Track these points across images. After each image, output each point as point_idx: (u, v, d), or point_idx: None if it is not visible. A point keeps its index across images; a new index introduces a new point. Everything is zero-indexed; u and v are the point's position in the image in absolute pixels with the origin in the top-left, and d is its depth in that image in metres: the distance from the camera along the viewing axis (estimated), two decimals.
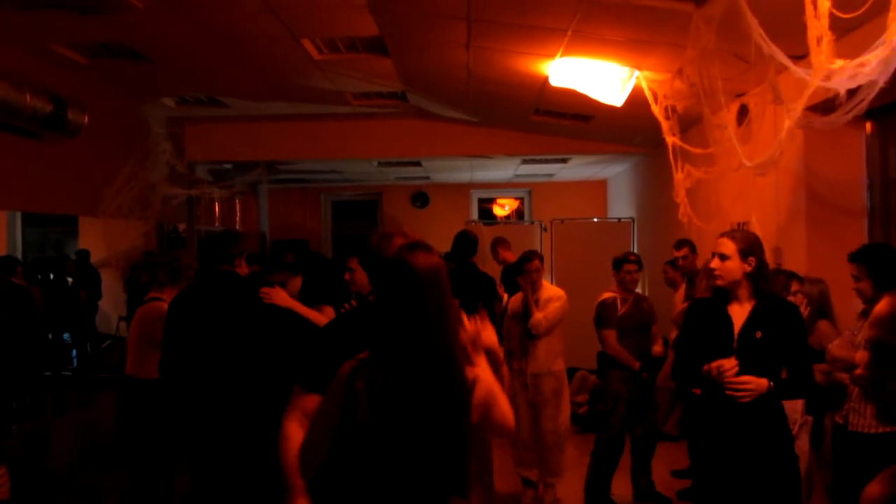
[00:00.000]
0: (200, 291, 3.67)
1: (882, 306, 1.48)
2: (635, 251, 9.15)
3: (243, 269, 3.67)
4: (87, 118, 5.97)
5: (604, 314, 4.73)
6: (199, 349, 3.46)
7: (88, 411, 7.81)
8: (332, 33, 5.31)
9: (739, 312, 2.83)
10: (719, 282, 2.87)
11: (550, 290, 4.99)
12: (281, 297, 3.57)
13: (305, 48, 5.51)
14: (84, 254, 9.35)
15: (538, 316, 4.75)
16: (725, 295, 2.88)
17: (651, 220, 8.79)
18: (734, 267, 2.82)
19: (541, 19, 4.34)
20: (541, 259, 5.00)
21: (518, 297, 5.00)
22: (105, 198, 7.11)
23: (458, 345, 1.82)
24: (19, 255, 9.61)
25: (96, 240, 9.05)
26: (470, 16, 4.47)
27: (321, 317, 3.61)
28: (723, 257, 2.86)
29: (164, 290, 4.22)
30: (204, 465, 3.50)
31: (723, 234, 2.98)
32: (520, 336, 4.89)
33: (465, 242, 5.26)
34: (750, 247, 2.84)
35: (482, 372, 1.85)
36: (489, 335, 1.95)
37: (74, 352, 9.36)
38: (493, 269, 6.60)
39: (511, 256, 6.99)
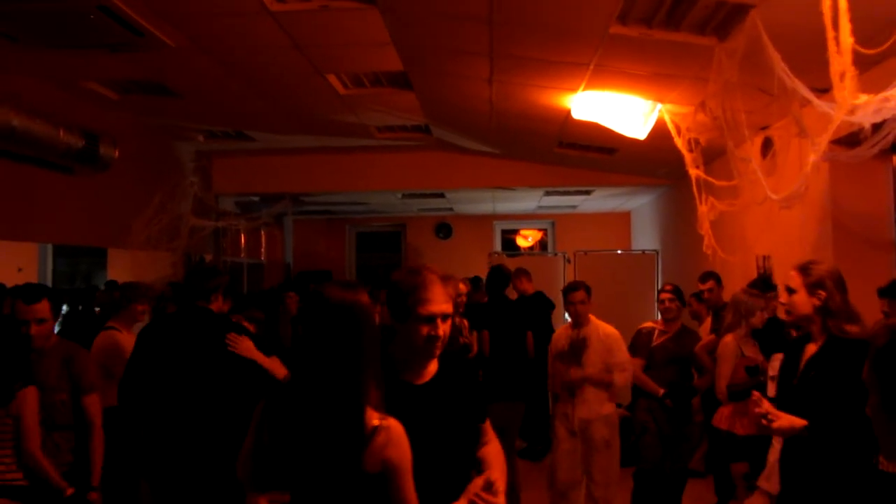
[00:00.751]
0: (169, 325, 3.76)
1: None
2: (658, 283, 9.10)
3: (219, 305, 3.71)
4: (117, 152, 6.10)
5: (636, 342, 4.76)
6: (157, 382, 3.51)
7: None
8: (357, 69, 5.39)
9: (811, 349, 2.71)
10: (788, 317, 2.80)
11: (602, 327, 4.58)
12: (244, 346, 3.61)
13: (331, 83, 5.61)
14: (112, 284, 9.47)
15: (619, 380, 4.51)
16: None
17: (675, 253, 8.73)
18: (801, 301, 2.68)
19: (563, 54, 4.38)
20: (587, 290, 4.62)
21: (562, 332, 4.71)
22: (134, 230, 7.23)
23: (362, 384, 1.82)
24: (49, 285, 9.76)
25: (125, 270, 9.18)
26: (492, 52, 4.53)
27: (280, 368, 3.69)
28: (790, 290, 2.74)
29: (118, 319, 4.56)
30: (163, 493, 3.54)
31: (794, 267, 2.83)
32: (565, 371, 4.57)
33: (500, 276, 5.43)
34: (819, 280, 2.67)
35: (393, 427, 1.83)
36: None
37: None
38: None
39: (530, 287, 7.00)
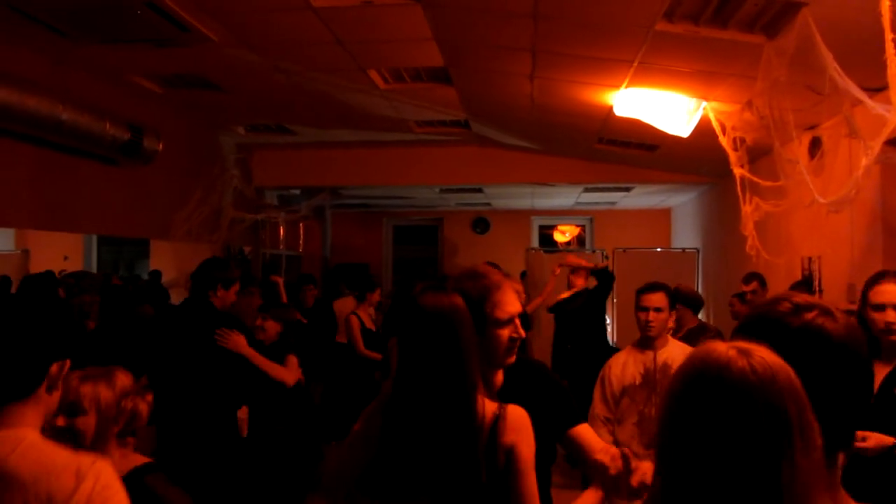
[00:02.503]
0: (170, 316, 4.00)
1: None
2: (699, 283, 8.96)
3: (222, 298, 3.86)
4: (161, 145, 6.19)
5: None
6: (160, 365, 3.74)
7: None
8: (398, 64, 5.39)
9: (882, 367, 2.64)
10: (893, 336, 2.66)
11: (677, 350, 3.45)
12: (234, 342, 3.71)
13: (371, 78, 5.61)
14: (156, 274, 9.66)
15: None
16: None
17: (716, 252, 8.58)
18: None
19: (606, 51, 4.32)
20: (670, 294, 3.53)
21: (628, 357, 3.53)
22: (175, 222, 7.34)
23: (466, 376, 1.75)
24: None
25: (166, 260, 9.36)
26: (535, 48, 4.48)
27: (278, 368, 3.73)
28: None
29: None
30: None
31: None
32: (640, 415, 3.42)
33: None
34: None
35: (512, 411, 1.79)
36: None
37: None
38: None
39: (583, 283, 6.88)
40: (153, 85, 6.04)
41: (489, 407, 1.79)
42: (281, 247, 10.89)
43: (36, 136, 5.00)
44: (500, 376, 2.02)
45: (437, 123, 7.42)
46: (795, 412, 0.98)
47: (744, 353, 1.01)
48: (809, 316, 1.19)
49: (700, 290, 8.99)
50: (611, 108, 5.50)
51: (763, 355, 1.01)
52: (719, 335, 4.67)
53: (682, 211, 11.36)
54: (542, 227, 13.06)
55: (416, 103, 6.51)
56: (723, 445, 0.97)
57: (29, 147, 5.20)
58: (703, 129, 5.03)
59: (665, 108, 5.10)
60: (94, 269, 10.66)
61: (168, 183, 7.11)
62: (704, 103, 4.92)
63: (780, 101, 3.68)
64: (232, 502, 3.71)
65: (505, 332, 1.94)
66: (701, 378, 1.01)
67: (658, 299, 3.47)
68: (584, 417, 2.13)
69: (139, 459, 2.10)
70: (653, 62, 4.33)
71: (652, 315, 3.43)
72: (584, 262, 6.76)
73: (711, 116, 4.90)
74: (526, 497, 1.75)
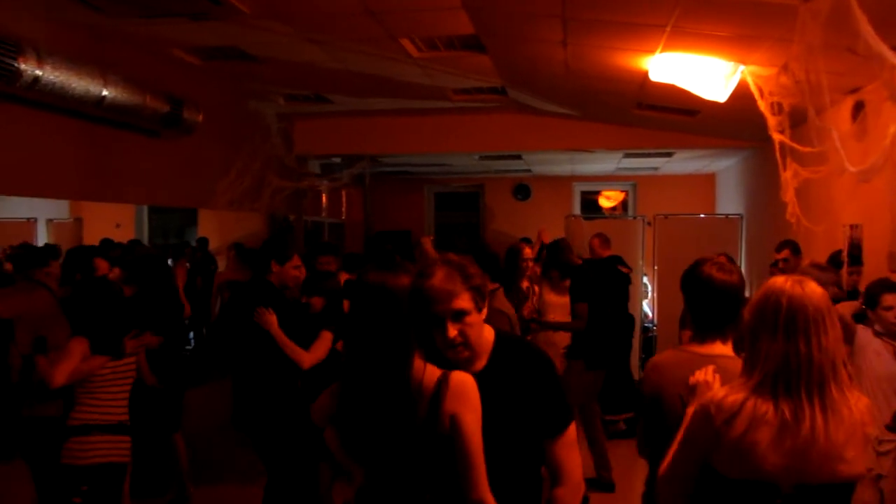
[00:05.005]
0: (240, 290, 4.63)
1: None
2: (742, 250, 8.80)
3: (283, 273, 4.14)
4: (201, 116, 6.31)
5: (683, 314, 4.65)
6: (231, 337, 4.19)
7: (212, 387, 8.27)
8: (430, 32, 5.37)
9: None
10: None
11: None
12: (265, 320, 3.96)
13: (404, 47, 5.61)
14: (204, 241, 9.91)
15: None
16: None
17: (760, 218, 8.41)
18: None
19: (637, 16, 4.24)
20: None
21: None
22: (218, 191, 7.51)
23: (404, 346, 1.87)
24: (146, 241, 10.30)
25: (213, 229, 9.58)
26: (565, 14, 4.42)
27: (295, 350, 3.91)
28: None
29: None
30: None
31: None
32: None
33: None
34: None
35: (456, 377, 1.87)
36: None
37: (192, 333, 9.97)
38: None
39: (604, 252, 6.88)
40: (192, 57, 6.14)
41: (432, 372, 1.87)
42: (323, 214, 11.03)
43: (80, 110, 5.15)
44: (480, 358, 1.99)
45: (473, 91, 7.39)
46: (828, 311, 1.84)
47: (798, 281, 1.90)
48: (706, 268, 2.23)
49: (743, 258, 8.84)
50: (646, 74, 5.40)
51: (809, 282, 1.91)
52: None
53: (726, 176, 11.12)
54: (584, 193, 12.93)
55: (451, 71, 6.48)
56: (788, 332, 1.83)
57: (74, 121, 5.37)
58: (742, 93, 4.91)
59: (701, 72, 4.99)
60: (144, 237, 10.98)
61: (209, 153, 7.26)
62: (742, 67, 4.79)
63: (816, 64, 3.57)
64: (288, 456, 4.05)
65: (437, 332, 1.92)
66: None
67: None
68: (567, 423, 2.01)
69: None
70: (686, 26, 4.24)
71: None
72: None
73: (749, 80, 4.77)
74: (469, 460, 1.81)
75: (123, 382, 3.56)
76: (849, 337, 3.64)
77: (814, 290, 1.85)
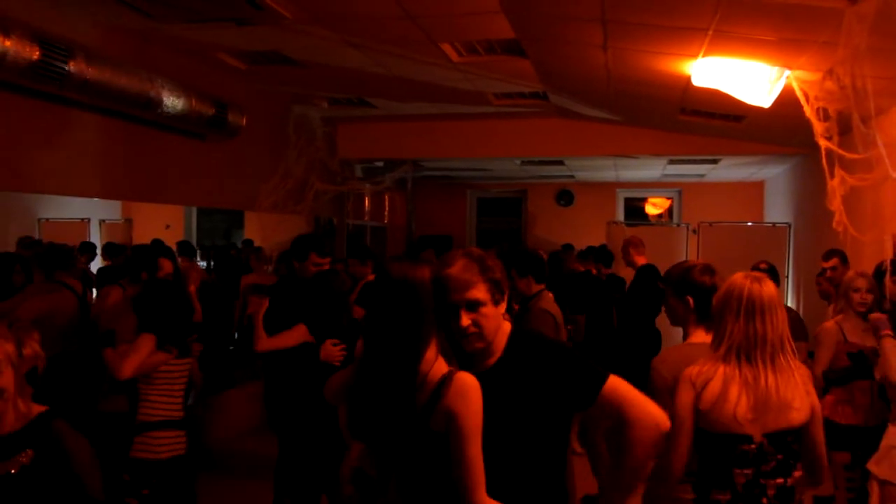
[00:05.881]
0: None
1: None
2: (790, 259, 8.60)
3: (302, 268, 4.19)
4: (245, 119, 6.43)
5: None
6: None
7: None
8: (470, 37, 5.38)
9: None
10: None
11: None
12: (255, 305, 4.18)
13: (444, 51, 5.63)
14: (249, 243, 10.08)
15: None
16: None
17: (808, 227, 8.20)
18: None
19: (677, 19, 4.18)
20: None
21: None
22: (261, 193, 7.63)
23: (419, 339, 1.88)
24: (194, 242, 10.54)
25: (257, 231, 9.74)
26: (605, 17, 4.38)
27: (259, 337, 4.00)
28: None
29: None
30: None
31: None
32: None
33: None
34: None
35: (460, 377, 1.86)
36: None
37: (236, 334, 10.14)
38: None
39: (643, 260, 6.71)
40: (236, 61, 6.26)
41: (439, 368, 1.87)
42: (366, 218, 11.12)
43: (128, 112, 5.29)
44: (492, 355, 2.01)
45: (515, 95, 7.37)
46: (777, 302, 2.38)
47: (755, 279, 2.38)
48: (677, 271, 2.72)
49: (790, 267, 8.63)
50: (689, 79, 5.32)
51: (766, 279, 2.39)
52: None
53: (774, 184, 10.87)
54: (627, 200, 12.79)
55: (492, 76, 6.48)
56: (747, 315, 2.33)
57: (122, 123, 5.52)
58: (789, 98, 4.79)
59: (745, 77, 4.89)
60: (193, 238, 11.24)
61: (253, 156, 7.39)
62: (787, 72, 4.69)
63: (862, 68, 3.48)
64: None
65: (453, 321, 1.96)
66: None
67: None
68: (601, 381, 2.00)
69: (39, 407, 2.29)
70: (728, 30, 4.16)
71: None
72: None
73: (795, 85, 4.66)
74: (466, 463, 1.79)
75: (183, 380, 3.73)
76: (799, 333, 4.33)
77: (767, 286, 2.36)
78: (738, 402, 2.28)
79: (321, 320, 4.06)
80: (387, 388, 1.87)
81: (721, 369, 2.32)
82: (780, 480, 2.34)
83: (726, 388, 2.29)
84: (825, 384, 4.09)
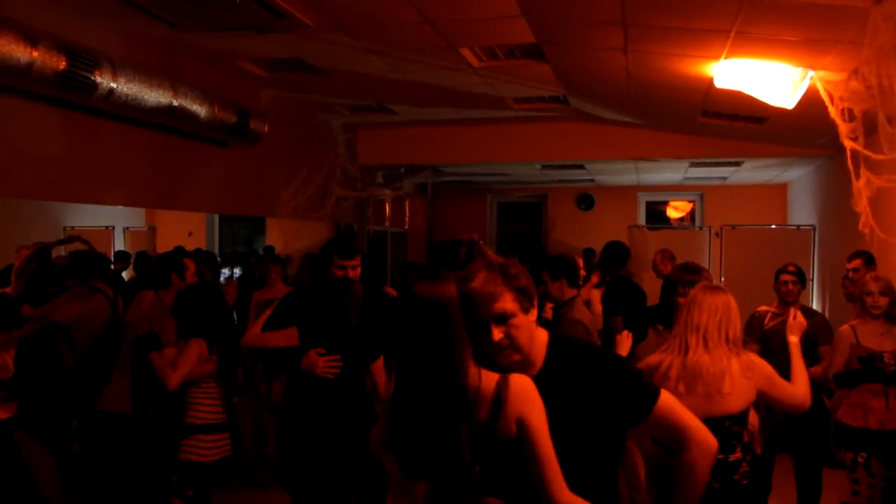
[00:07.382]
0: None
1: None
2: (815, 261, 8.49)
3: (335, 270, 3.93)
4: (266, 127, 6.48)
5: (748, 326, 4.55)
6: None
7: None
8: (490, 42, 5.38)
9: None
10: None
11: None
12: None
13: (464, 56, 5.64)
14: (270, 249, 10.14)
15: None
16: None
17: (834, 229, 8.09)
18: None
19: (698, 21, 4.15)
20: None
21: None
22: (282, 200, 7.68)
23: (455, 352, 1.77)
24: (216, 250, 10.62)
25: (279, 237, 9.81)
26: (625, 20, 4.37)
27: (251, 331, 3.85)
28: None
29: None
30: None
31: None
32: None
33: (617, 253, 5.17)
34: None
35: (515, 380, 1.78)
36: None
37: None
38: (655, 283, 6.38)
39: (667, 268, 6.67)
40: (258, 69, 6.32)
41: (489, 377, 1.78)
42: (387, 224, 11.15)
43: (152, 121, 5.36)
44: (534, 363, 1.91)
45: (535, 100, 7.36)
46: (723, 304, 2.85)
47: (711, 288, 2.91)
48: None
49: (815, 270, 8.52)
50: (711, 80, 5.28)
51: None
52: None
53: (798, 186, 10.75)
54: (649, 204, 12.71)
55: (512, 80, 6.48)
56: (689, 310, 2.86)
57: (146, 131, 5.59)
58: (813, 99, 4.74)
59: (768, 78, 4.85)
60: (215, 245, 11.35)
61: (275, 163, 7.45)
62: (811, 73, 4.64)
63: (888, 68, 3.44)
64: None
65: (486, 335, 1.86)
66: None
67: None
68: (653, 399, 1.91)
69: (5, 413, 2.30)
70: (751, 31, 4.13)
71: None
72: None
73: (819, 86, 4.61)
74: (543, 463, 1.74)
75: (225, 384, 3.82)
76: (825, 337, 4.52)
77: (716, 292, 2.82)
78: (678, 385, 2.71)
79: (317, 327, 3.70)
80: (438, 415, 1.74)
81: (668, 358, 2.79)
82: (720, 456, 2.59)
83: (668, 373, 2.74)
84: (836, 385, 4.16)
